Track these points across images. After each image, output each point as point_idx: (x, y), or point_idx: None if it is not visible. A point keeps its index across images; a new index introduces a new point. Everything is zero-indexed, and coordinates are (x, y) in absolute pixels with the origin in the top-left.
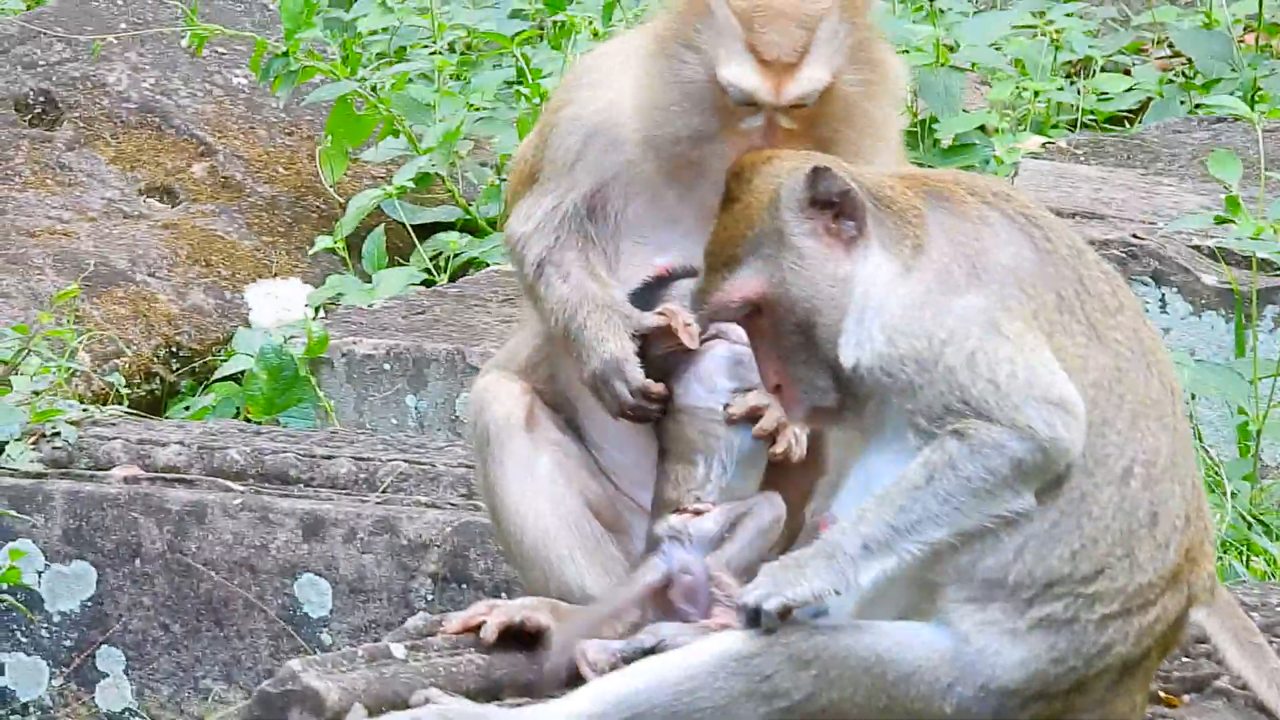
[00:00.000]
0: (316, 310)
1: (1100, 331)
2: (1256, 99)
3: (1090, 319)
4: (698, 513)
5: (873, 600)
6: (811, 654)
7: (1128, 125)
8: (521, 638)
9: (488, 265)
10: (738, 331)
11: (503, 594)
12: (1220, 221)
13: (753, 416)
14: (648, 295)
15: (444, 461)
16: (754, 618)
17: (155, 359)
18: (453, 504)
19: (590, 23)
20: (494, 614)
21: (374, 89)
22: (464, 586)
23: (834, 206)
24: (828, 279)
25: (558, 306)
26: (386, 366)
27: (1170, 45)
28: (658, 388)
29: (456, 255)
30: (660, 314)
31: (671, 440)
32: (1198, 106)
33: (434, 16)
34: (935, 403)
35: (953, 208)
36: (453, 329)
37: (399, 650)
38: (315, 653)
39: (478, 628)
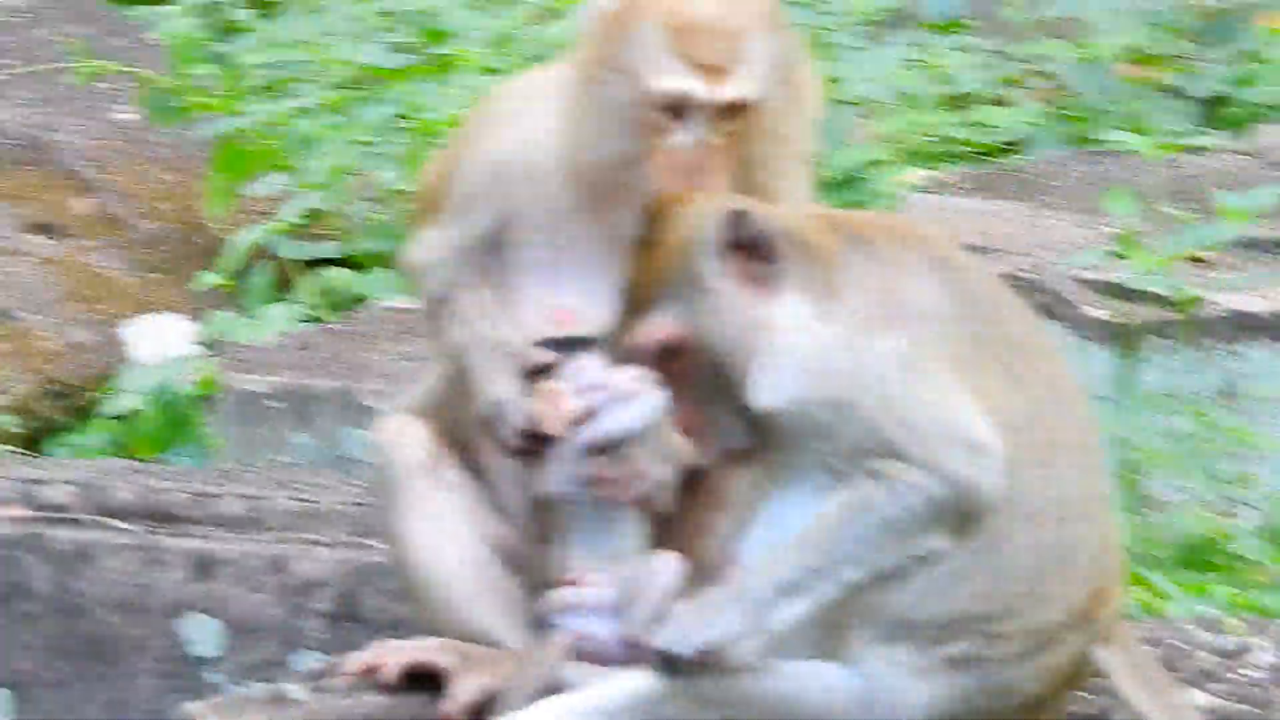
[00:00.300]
0: (204, 346)
1: (1016, 374)
2: (1141, 131)
3: (1006, 362)
4: (575, 583)
5: (781, 641)
6: (718, 696)
7: (1005, 158)
8: (422, 679)
9: (371, 300)
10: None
11: (395, 633)
12: (1117, 256)
13: (600, 482)
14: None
15: (332, 500)
16: (667, 664)
17: (34, 396)
18: (343, 542)
19: (478, 56)
20: (395, 655)
21: (261, 125)
22: (356, 625)
23: (751, 250)
24: (743, 323)
25: (451, 350)
26: (273, 404)
27: (1048, 77)
28: (541, 428)
29: (343, 291)
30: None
31: (541, 518)
32: (1085, 140)
33: (320, 51)
34: (851, 445)
35: (870, 251)
36: (341, 366)
37: (298, 692)
38: (204, 693)
39: (377, 669)
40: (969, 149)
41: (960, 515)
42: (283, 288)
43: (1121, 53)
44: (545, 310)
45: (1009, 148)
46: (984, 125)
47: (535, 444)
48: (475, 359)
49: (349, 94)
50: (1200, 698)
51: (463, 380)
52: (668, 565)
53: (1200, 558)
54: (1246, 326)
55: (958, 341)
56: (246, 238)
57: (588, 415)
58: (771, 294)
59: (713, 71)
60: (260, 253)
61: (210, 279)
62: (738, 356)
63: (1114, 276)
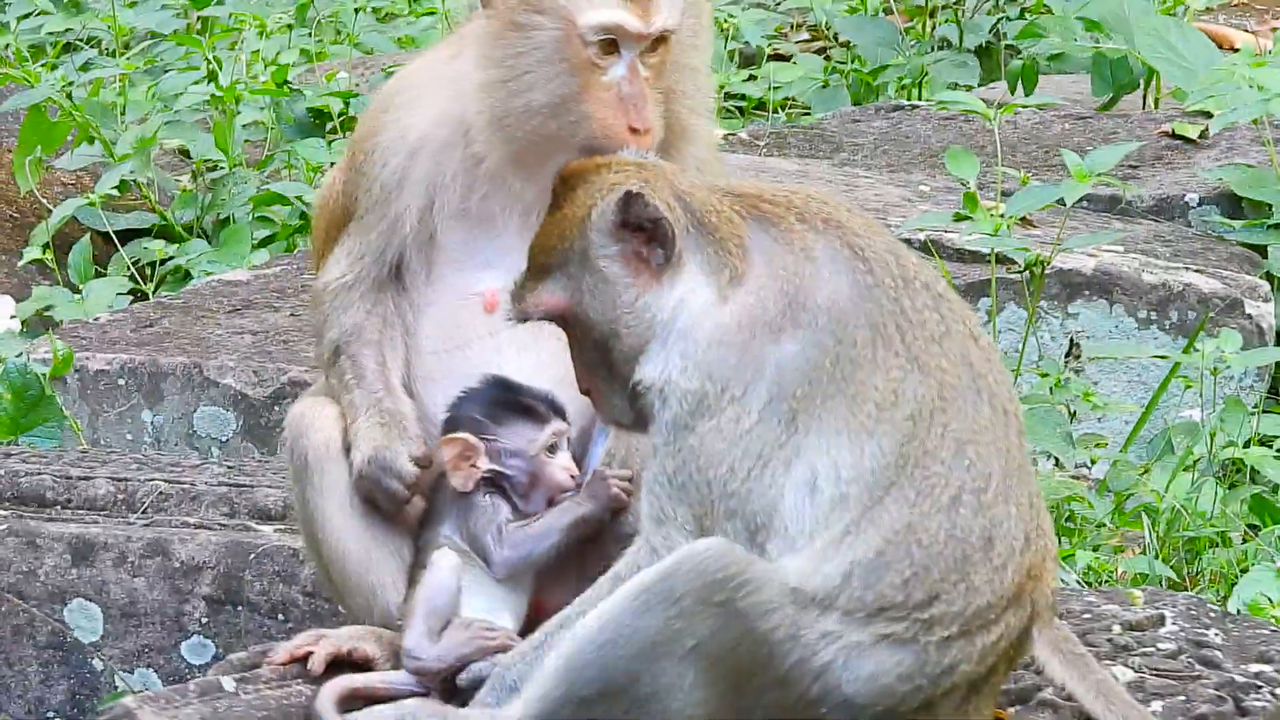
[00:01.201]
0: (24, 324)
1: (922, 361)
2: (924, 84)
3: (911, 349)
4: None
5: None
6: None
7: (788, 115)
8: (348, 668)
9: (189, 273)
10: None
11: (279, 615)
12: (958, 219)
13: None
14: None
15: (204, 480)
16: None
17: None
18: (221, 524)
19: (256, 21)
20: (321, 644)
21: (68, 95)
22: (239, 608)
23: (645, 231)
24: (626, 305)
25: (348, 407)
26: (121, 382)
27: (815, 29)
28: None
29: (162, 262)
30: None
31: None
32: (870, 94)
33: (113, 20)
34: (676, 450)
35: (778, 236)
36: (184, 342)
37: (228, 684)
38: (88, 680)
39: (304, 658)
40: (758, 106)
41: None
42: (96, 261)
43: (884, 2)
44: (469, 297)
45: (794, 103)
46: (771, 82)
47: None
48: (356, 417)
49: (141, 61)
50: (1121, 672)
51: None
52: (443, 561)
53: (1057, 523)
54: (1073, 285)
55: (856, 339)
56: (61, 212)
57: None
58: (664, 278)
59: (640, 2)
60: (72, 226)
61: (34, 254)
62: (619, 339)
63: (950, 238)
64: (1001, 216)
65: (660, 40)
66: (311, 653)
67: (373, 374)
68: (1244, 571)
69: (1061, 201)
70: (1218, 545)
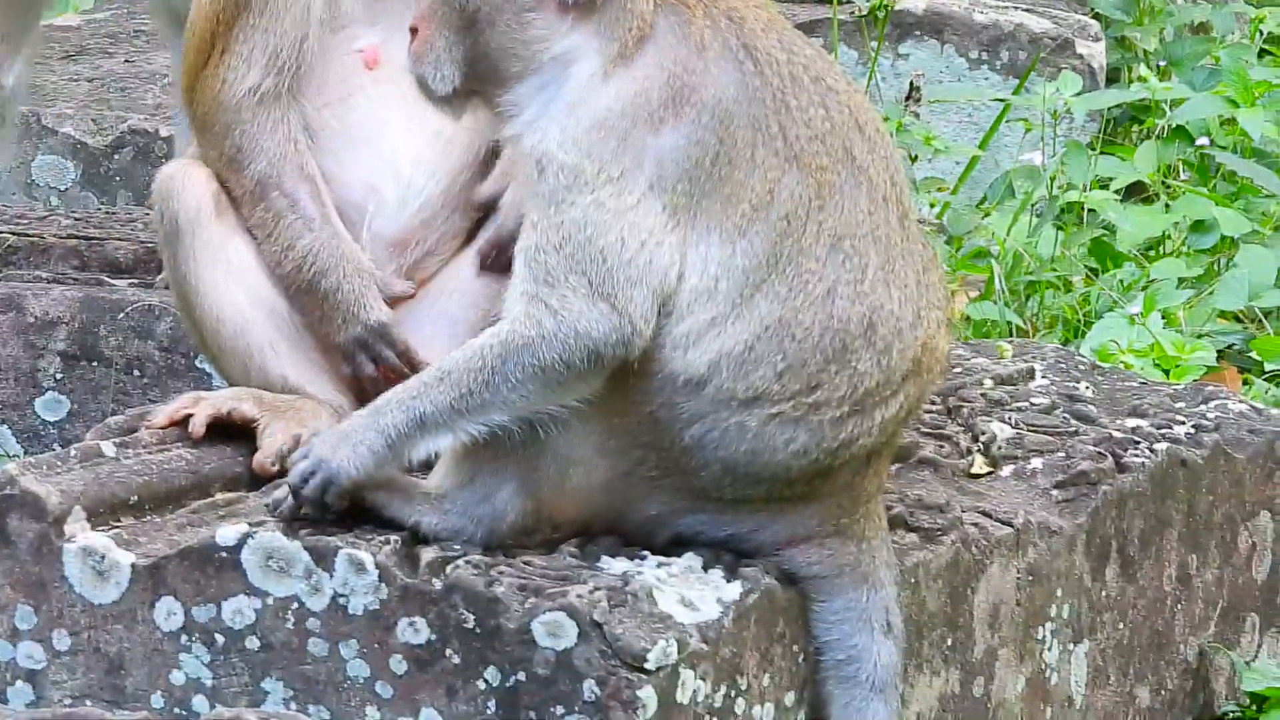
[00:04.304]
0: None
1: (802, 159)
2: None
3: (792, 148)
4: None
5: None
6: None
7: None
8: (229, 430)
9: None
10: None
11: (135, 371)
12: None
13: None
14: None
15: (52, 233)
16: (299, 498)
17: None
18: (74, 278)
19: None
20: (200, 407)
21: None
22: (94, 364)
23: None
24: (520, 22)
25: (302, 257)
26: None
27: None
28: (420, 355)
29: None
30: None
31: None
32: None
33: None
34: (561, 230)
35: (677, 25)
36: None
37: (109, 448)
38: None
39: (184, 421)
40: None
41: (613, 367)
42: None
43: None
44: (351, 54)
45: None
46: None
47: (410, 366)
48: (342, 281)
49: None
50: (1000, 429)
51: (308, 292)
52: None
53: None
54: (904, 25)
55: (737, 139)
56: None
57: None
58: (568, 22)
59: None
60: None
61: None
62: (497, 45)
63: None
64: None
65: None
66: (190, 415)
67: (318, 213)
68: (1086, 316)
69: None
70: (1058, 289)
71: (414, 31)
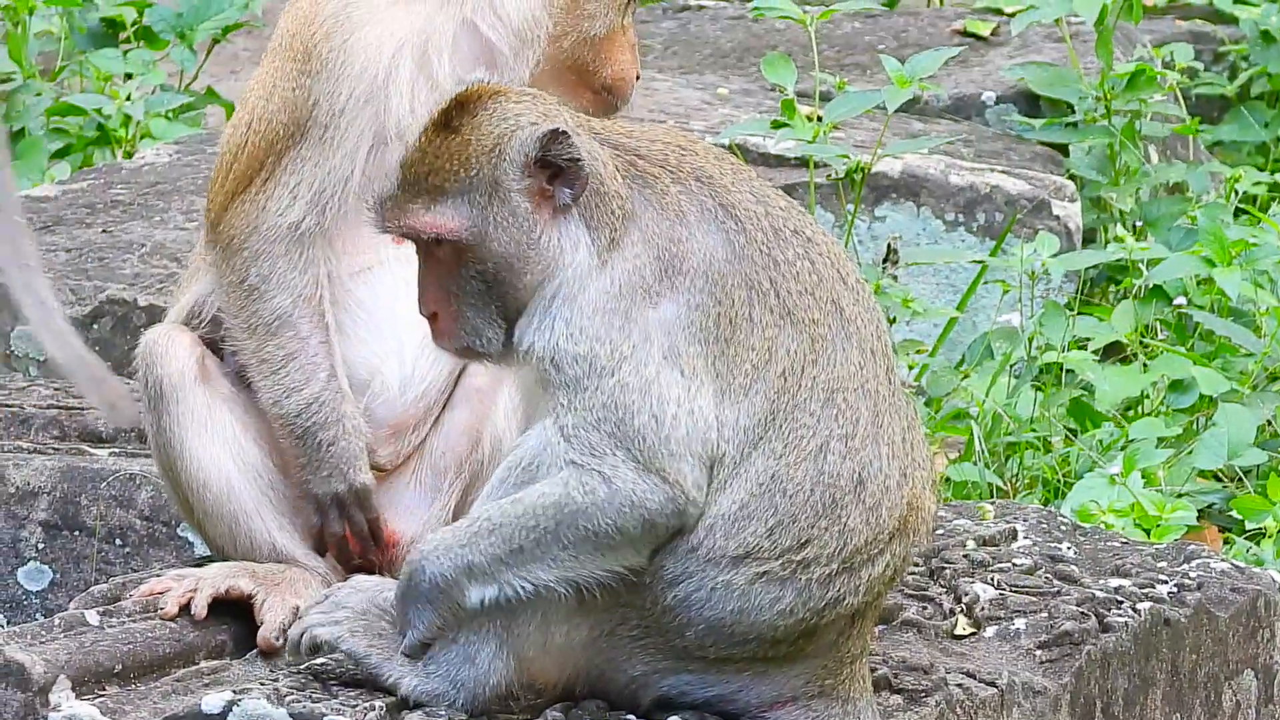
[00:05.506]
0: None
1: (795, 314)
2: None
3: (785, 302)
4: None
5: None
6: None
7: None
8: (216, 601)
9: None
10: None
11: (116, 540)
12: (777, 126)
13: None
14: None
15: (32, 403)
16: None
17: None
18: (55, 448)
19: None
20: (201, 588)
21: None
22: (76, 534)
23: (554, 169)
24: (530, 243)
25: (305, 405)
26: None
27: None
28: (388, 532)
29: None
30: None
31: None
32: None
33: None
34: (595, 413)
35: (653, 199)
36: None
37: (93, 617)
38: None
39: (162, 595)
40: None
41: (666, 537)
42: None
43: None
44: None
45: None
46: None
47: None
48: (338, 437)
49: None
50: (983, 590)
51: (300, 439)
52: None
53: None
54: (880, 187)
55: (730, 300)
56: None
57: None
58: (559, 221)
59: None
60: None
61: None
62: (516, 275)
63: (755, 142)
64: (819, 122)
65: None
66: (170, 588)
67: (327, 365)
68: (1066, 476)
69: (882, 108)
70: (1038, 450)
71: (433, 317)
